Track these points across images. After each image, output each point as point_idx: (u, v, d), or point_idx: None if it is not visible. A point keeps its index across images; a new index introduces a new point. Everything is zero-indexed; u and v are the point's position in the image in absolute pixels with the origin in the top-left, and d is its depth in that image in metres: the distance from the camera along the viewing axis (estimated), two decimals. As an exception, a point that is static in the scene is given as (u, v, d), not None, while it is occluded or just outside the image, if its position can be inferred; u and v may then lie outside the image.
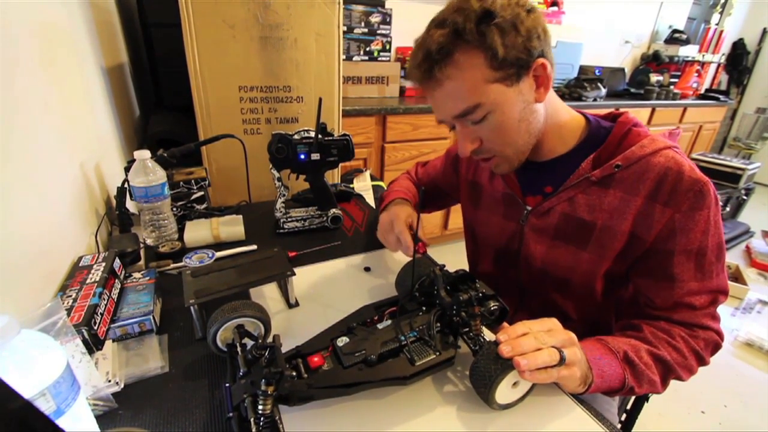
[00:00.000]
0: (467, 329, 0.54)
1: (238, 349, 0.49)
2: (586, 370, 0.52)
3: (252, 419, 0.40)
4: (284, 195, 0.91)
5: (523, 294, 0.78)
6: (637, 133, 0.62)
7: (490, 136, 0.62)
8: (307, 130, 0.87)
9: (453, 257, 0.77)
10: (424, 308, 0.58)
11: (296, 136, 0.85)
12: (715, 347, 0.62)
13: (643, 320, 0.63)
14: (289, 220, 0.93)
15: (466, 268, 0.61)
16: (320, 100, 0.81)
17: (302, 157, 0.86)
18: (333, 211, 0.95)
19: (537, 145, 0.66)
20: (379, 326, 0.54)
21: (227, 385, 0.43)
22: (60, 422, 0.34)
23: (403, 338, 0.52)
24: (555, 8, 2.66)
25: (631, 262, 0.64)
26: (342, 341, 0.51)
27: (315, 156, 0.86)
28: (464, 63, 0.55)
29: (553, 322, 0.52)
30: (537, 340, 0.48)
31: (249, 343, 0.51)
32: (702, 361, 0.61)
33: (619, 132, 0.63)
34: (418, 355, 0.51)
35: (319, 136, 0.85)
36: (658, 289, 0.62)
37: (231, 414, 0.41)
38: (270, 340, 0.48)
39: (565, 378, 0.49)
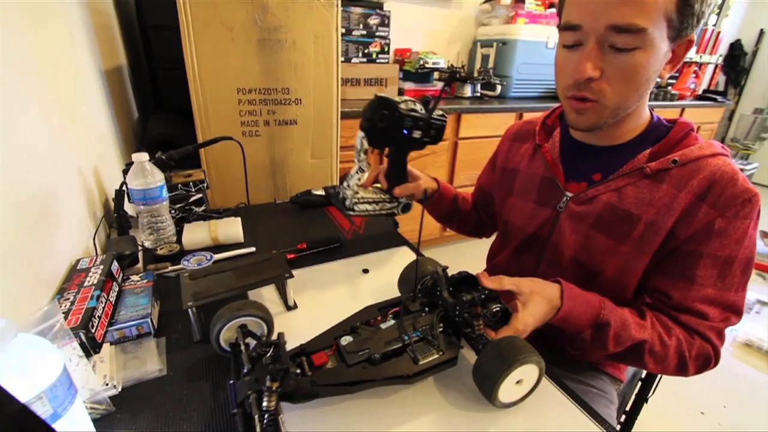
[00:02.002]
0: (470, 330, 0.54)
1: (242, 348, 0.49)
2: (546, 316, 0.58)
3: (256, 416, 0.40)
4: (363, 171, 0.76)
5: None
6: (695, 137, 0.63)
7: (615, 74, 0.56)
8: (413, 101, 0.71)
9: (454, 258, 0.77)
10: (426, 309, 0.58)
11: (402, 105, 0.68)
12: (706, 362, 0.61)
13: (649, 310, 0.63)
14: (361, 201, 0.78)
15: (469, 268, 0.61)
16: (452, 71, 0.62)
17: (405, 132, 0.70)
18: (404, 198, 0.82)
19: (615, 124, 0.63)
20: (383, 326, 0.54)
21: (231, 381, 0.43)
22: (57, 426, 0.34)
23: (406, 338, 0.52)
24: (553, 9, 2.67)
25: (659, 257, 0.63)
26: (346, 340, 0.51)
27: (417, 134, 0.71)
28: None
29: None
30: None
31: (252, 343, 0.51)
32: (684, 369, 0.61)
33: (679, 131, 0.63)
34: (421, 354, 0.51)
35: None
36: (674, 287, 0.61)
37: (235, 410, 0.41)
38: (274, 338, 0.48)
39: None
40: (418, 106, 0.70)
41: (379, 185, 0.82)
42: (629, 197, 0.63)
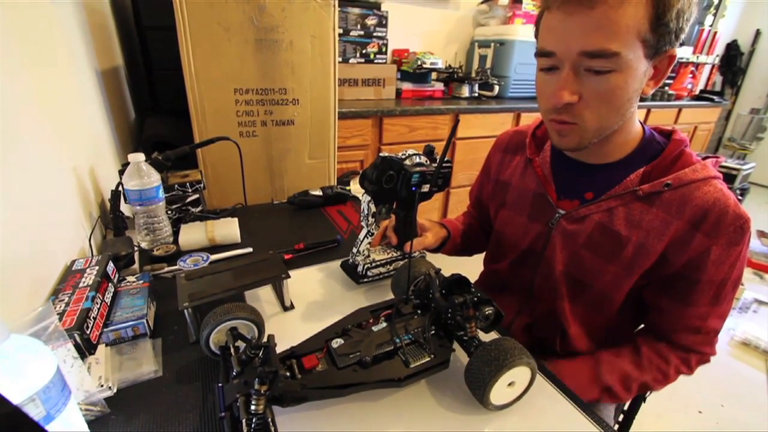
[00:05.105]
0: (462, 332, 0.54)
1: (232, 351, 0.49)
2: None
3: (244, 420, 0.39)
4: (373, 235, 0.74)
5: (529, 297, 0.77)
6: (690, 155, 0.62)
7: (593, 97, 0.56)
8: (418, 153, 0.69)
9: (448, 261, 0.77)
10: (419, 311, 0.58)
11: (408, 162, 0.66)
12: (702, 364, 0.68)
13: (646, 341, 0.69)
14: (373, 265, 0.74)
15: (464, 271, 0.61)
16: (457, 120, 0.62)
17: (414, 189, 0.67)
18: (416, 253, 0.80)
19: (601, 142, 0.62)
20: (375, 328, 0.54)
21: (219, 384, 0.43)
22: (50, 428, 0.34)
23: (398, 340, 0.52)
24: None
25: (651, 279, 0.64)
26: (336, 342, 0.51)
27: (425, 188, 0.68)
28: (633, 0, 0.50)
29: None
30: None
31: (242, 346, 0.51)
32: (684, 374, 0.68)
33: (673, 150, 0.62)
34: (412, 357, 0.51)
35: (433, 163, 0.69)
36: (673, 307, 0.64)
37: (223, 414, 0.41)
38: (264, 340, 0.48)
39: None
40: (423, 158, 0.68)
41: (386, 241, 0.80)
42: (620, 218, 0.63)
